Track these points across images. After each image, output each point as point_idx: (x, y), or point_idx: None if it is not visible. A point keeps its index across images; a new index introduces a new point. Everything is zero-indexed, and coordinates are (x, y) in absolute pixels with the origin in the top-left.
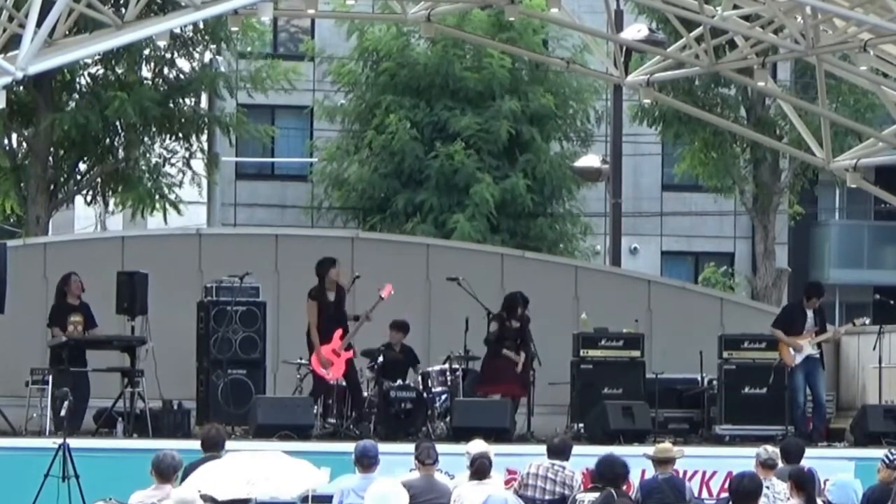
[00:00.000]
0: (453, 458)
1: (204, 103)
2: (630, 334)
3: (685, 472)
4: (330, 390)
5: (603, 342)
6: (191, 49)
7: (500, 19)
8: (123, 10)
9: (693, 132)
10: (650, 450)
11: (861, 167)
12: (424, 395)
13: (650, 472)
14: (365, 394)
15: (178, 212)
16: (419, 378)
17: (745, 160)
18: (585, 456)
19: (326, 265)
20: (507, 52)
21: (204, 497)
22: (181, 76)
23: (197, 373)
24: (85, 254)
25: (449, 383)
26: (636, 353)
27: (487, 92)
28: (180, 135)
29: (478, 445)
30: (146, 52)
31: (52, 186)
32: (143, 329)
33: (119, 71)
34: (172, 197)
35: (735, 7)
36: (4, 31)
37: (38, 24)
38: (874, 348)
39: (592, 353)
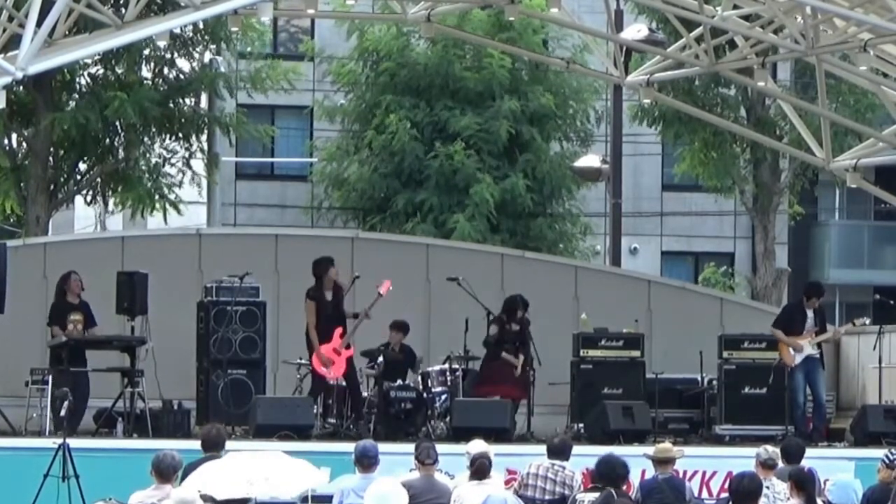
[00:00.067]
0: (453, 458)
1: (204, 103)
2: (630, 334)
3: (685, 472)
4: (330, 390)
5: (603, 342)
6: (191, 49)
7: (500, 19)
8: (123, 10)
9: (693, 132)
10: (650, 450)
11: (861, 167)
12: (424, 395)
13: (650, 472)
14: (365, 394)
15: (178, 212)
16: (419, 378)
17: (745, 160)
18: (585, 456)
19: (324, 265)
20: (507, 52)
21: (204, 497)
22: (181, 76)
23: (197, 373)
24: (85, 254)
25: (449, 383)
26: (636, 353)
27: (487, 92)
28: (180, 135)
29: (478, 445)
30: (146, 52)
31: (52, 186)
32: (143, 329)
33: (119, 71)
34: (172, 197)
35: (735, 7)
36: (4, 31)
37: (38, 24)
38: (874, 348)
39: (592, 353)
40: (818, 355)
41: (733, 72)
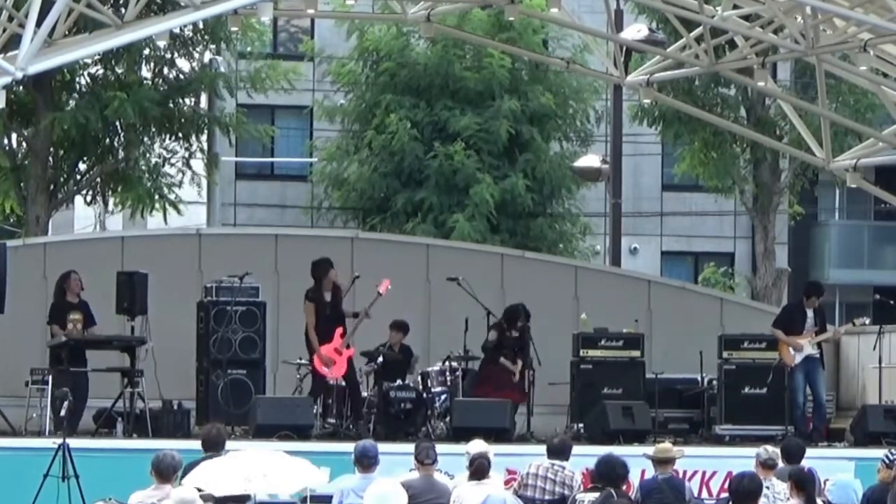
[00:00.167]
0: (453, 458)
1: (204, 103)
2: (630, 334)
3: (685, 472)
4: (329, 390)
5: (603, 342)
6: (190, 49)
7: (500, 19)
8: (123, 10)
9: (693, 132)
10: (650, 450)
11: (861, 167)
12: (424, 395)
13: (650, 472)
14: (364, 394)
15: (178, 212)
16: (419, 378)
17: (745, 160)
18: (585, 456)
19: (323, 267)
20: (507, 52)
21: (204, 498)
22: (181, 76)
23: (197, 373)
24: (85, 254)
25: (449, 383)
26: (636, 353)
27: (487, 92)
28: (180, 135)
29: (477, 445)
30: (146, 52)
31: (51, 186)
32: (142, 329)
33: (119, 71)
34: (172, 197)
35: (735, 7)
36: (4, 31)
37: (38, 24)
38: (874, 348)
39: (592, 353)
40: (818, 355)
41: (733, 72)
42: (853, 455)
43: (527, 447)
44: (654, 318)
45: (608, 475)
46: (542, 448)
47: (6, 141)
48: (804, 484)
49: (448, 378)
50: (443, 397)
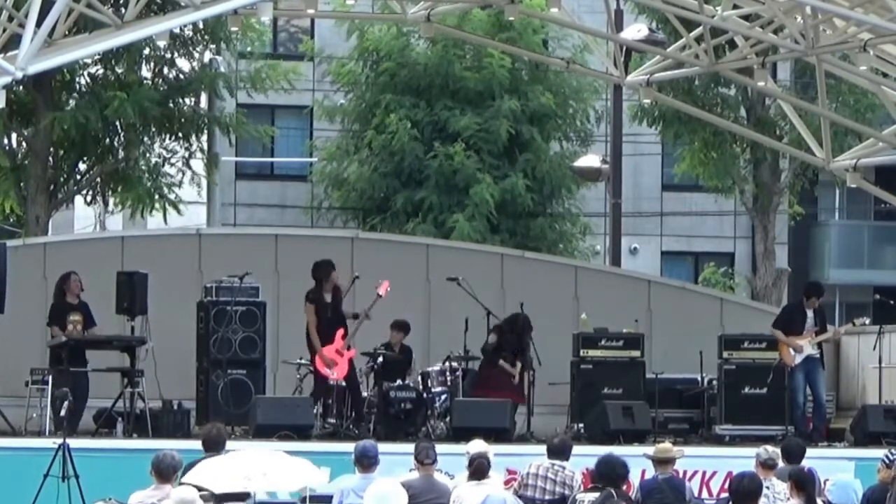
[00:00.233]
0: (453, 458)
1: (204, 103)
2: (630, 334)
3: (685, 472)
4: (330, 390)
5: (603, 342)
6: (190, 49)
7: (500, 19)
8: (123, 10)
9: (693, 132)
10: (650, 450)
11: (861, 167)
12: (424, 395)
13: (650, 472)
14: (364, 394)
15: (178, 212)
16: (419, 378)
17: (745, 160)
18: (585, 456)
19: (325, 269)
20: (507, 52)
21: (204, 498)
22: (181, 76)
23: (197, 373)
24: (85, 254)
25: (449, 383)
26: (636, 353)
27: (487, 92)
28: (180, 135)
29: (478, 445)
30: (146, 52)
31: (51, 186)
32: (143, 329)
33: (119, 71)
34: (172, 197)
35: (735, 7)
36: (4, 31)
37: (38, 24)
38: (874, 348)
39: (592, 353)
40: (818, 355)
41: (733, 72)
42: (853, 455)
43: (527, 447)
44: (654, 318)
45: (608, 475)
46: (542, 448)
47: (6, 141)
48: (804, 484)
49: (448, 378)
50: (443, 397)
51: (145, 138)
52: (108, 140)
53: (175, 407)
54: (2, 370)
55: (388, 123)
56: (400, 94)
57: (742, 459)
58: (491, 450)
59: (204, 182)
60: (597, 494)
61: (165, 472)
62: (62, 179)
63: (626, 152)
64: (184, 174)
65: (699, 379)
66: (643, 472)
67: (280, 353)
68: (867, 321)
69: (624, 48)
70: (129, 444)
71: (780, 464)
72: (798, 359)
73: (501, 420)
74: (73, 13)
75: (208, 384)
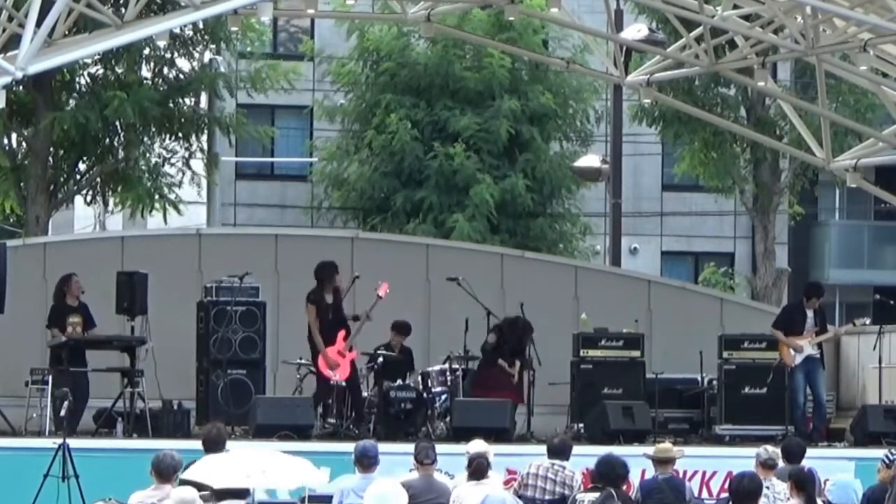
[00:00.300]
0: (453, 458)
1: (204, 103)
2: (630, 334)
3: (685, 472)
4: (330, 390)
5: (603, 342)
6: (190, 49)
7: (500, 19)
8: (123, 10)
9: (693, 132)
10: (650, 450)
11: (861, 167)
12: (424, 395)
13: (650, 472)
14: (364, 394)
15: (178, 212)
16: (419, 378)
17: (745, 160)
18: (585, 456)
19: (328, 270)
20: (507, 52)
21: (204, 497)
22: (181, 76)
23: (197, 373)
24: (85, 254)
25: (449, 383)
26: (636, 353)
27: (487, 92)
28: (180, 135)
29: (478, 445)
30: (146, 52)
31: (51, 186)
32: (142, 329)
33: (119, 71)
34: (172, 197)
35: (735, 7)
36: (4, 31)
37: (38, 24)
38: (874, 348)
39: (592, 353)
40: (818, 355)
41: (733, 72)
42: (853, 455)
43: (527, 447)
44: (654, 318)
45: (608, 475)
46: (543, 448)
47: (6, 141)
48: (804, 484)
49: (448, 378)
50: (443, 397)
51: (145, 138)
52: (108, 140)
53: (175, 407)
54: (2, 370)
55: (389, 123)
56: (400, 94)
57: (742, 459)
58: (491, 450)
59: (204, 182)
60: (597, 494)
61: (165, 472)
62: (62, 179)
63: (626, 152)
64: (184, 174)
65: (699, 379)
66: (643, 472)
67: (280, 353)
68: (867, 321)
69: (624, 48)
70: (129, 444)
71: (780, 464)
72: (798, 359)
73: (501, 420)
74: (73, 13)
75: (208, 384)
